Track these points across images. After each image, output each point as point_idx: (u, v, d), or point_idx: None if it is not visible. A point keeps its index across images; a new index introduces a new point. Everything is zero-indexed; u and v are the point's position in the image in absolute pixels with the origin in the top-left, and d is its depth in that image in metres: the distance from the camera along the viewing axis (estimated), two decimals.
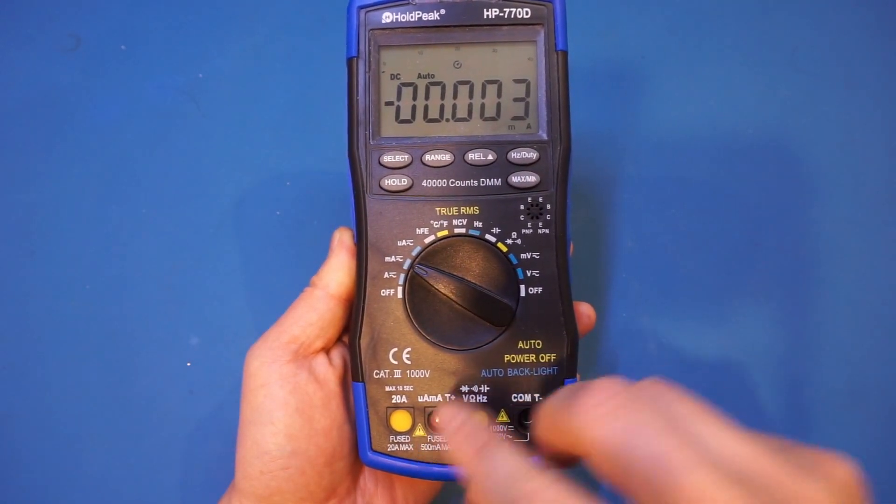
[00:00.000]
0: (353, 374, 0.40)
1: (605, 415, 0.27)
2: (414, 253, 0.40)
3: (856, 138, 0.56)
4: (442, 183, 0.40)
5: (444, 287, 0.39)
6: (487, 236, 0.40)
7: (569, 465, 0.31)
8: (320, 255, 0.43)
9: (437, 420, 0.38)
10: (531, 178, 0.40)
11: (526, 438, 0.39)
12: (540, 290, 0.40)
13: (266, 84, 0.58)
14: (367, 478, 0.43)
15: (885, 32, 0.58)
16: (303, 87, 0.58)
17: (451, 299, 0.40)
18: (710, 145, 0.56)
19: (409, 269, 0.40)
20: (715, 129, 0.57)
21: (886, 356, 0.53)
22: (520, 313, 0.40)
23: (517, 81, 0.41)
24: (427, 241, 0.40)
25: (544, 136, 0.40)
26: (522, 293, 0.40)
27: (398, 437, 0.40)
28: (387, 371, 0.40)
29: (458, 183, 0.40)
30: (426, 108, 0.41)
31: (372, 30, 0.41)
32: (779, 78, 0.57)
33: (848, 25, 0.58)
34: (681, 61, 0.58)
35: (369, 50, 0.41)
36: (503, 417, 0.39)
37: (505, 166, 0.40)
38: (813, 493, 0.24)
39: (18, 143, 0.57)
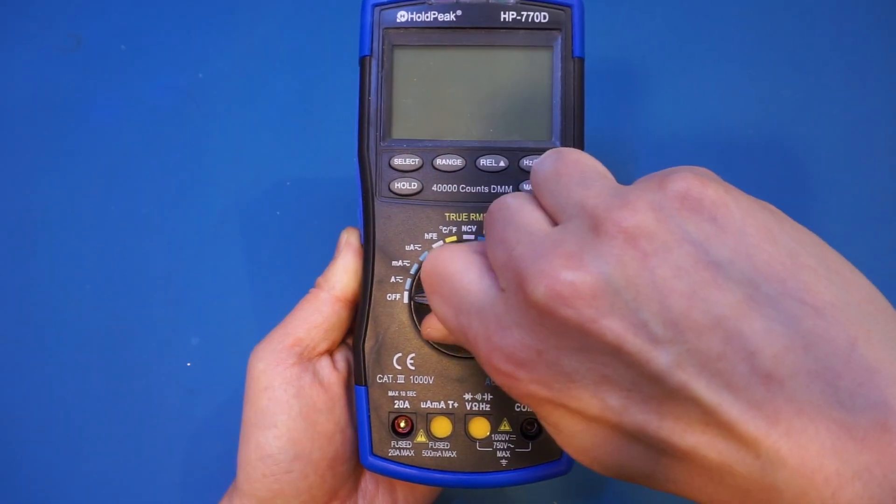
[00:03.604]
0: (357, 378, 0.39)
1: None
2: (422, 258, 0.39)
3: (856, 138, 0.55)
4: (452, 188, 0.39)
5: None
6: None
7: None
8: (321, 255, 0.42)
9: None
10: None
11: (528, 448, 0.38)
12: None
13: (266, 84, 0.57)
14: (369, 480, 0.42)
15: (885, 33, 0.57)
16: (303, 87, 0.57)
17: None
18: (710, 145, 0.55)
19: (415, 275, 0.39)
20: (715, 129, 0.55)
21: None
22: None
23: (532, 87, 0.39)
24: (435, 246, 0.39)
25: (558, 144, 0.39)
26: None
27: (399, 443, 0.38)
28: (390, 376, 0.39)
29: (469, 189, 0.39)
30: (439, 110, 0.40)
31: (386, 28, 0.39)
32: (779, 78, 0.56)
33: (849, 25, 0.57)
34: (681, 61, 0.57)
35: (383, 49, 0.39)
36: (505, 426, 0.38)
37: (517, 173, 0.39)
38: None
39: (18, 143, 0.56)
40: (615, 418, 0.26)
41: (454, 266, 0.31)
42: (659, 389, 0.25)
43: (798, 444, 0.23)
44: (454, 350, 0.38)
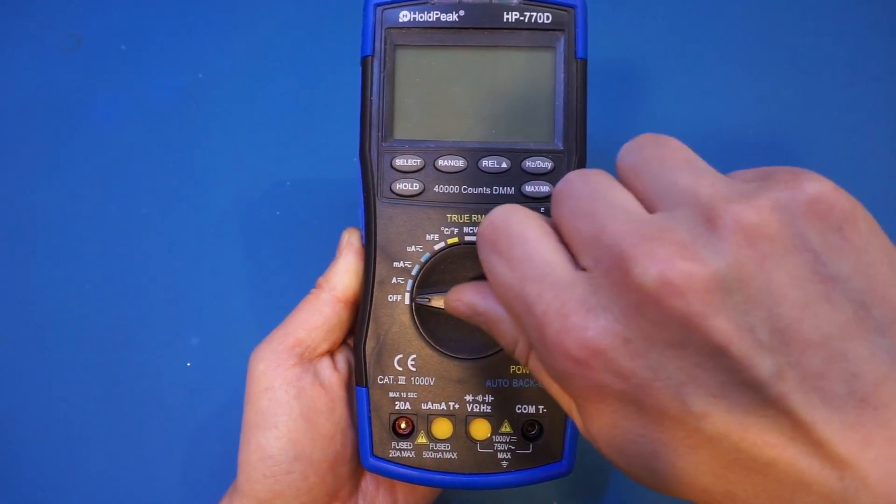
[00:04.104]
0: (357, 379, 0.39)
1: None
2: (423, 259, 0.38)
3: (857, 139, 0.55)
4: (454, 189, 0.39)
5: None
6: None
7: None
8: (321, 255, 0.42)
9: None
10: (545, 188, 0.38)
11: (529, 449, 0.38)
12: None
13: (266, 84, 0.57)
14: (369, 481, 0.42)
15: (886, 33, 0.56)
16: (303, 87, 0.57)
17: None
18: (711, 145, 0.54)
19: (417, 276, 0.38)
20: (715, 129, 0.55)
21: None
22: None
23: (535, 88, 0.39)
24: (437, 247, 0.38)
25: (560, 146, 0.39)
26: None
27: (400, 444, 0.38)
28: (391, 377, 0.38)
29: (471, 190, 0.39)
30: (441, 111, 0.39)
31: (388, 28, 0.39)
32: (780, 78, 0.56)
33: (849, 26, 0.57)
34: (681, 62, 0.57)
35: (385, 49, 0.39)
36: (506, 428, 0.38)
37: (519, 175, 0.38)
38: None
39: (18, 143, 0.56)
40: (693, 422, 0.24)
41: (531, 231, 0.28)
42: (752, 398, 0.23)
43: (886, 472, 0.22)
44: (455, 351, 0.38)
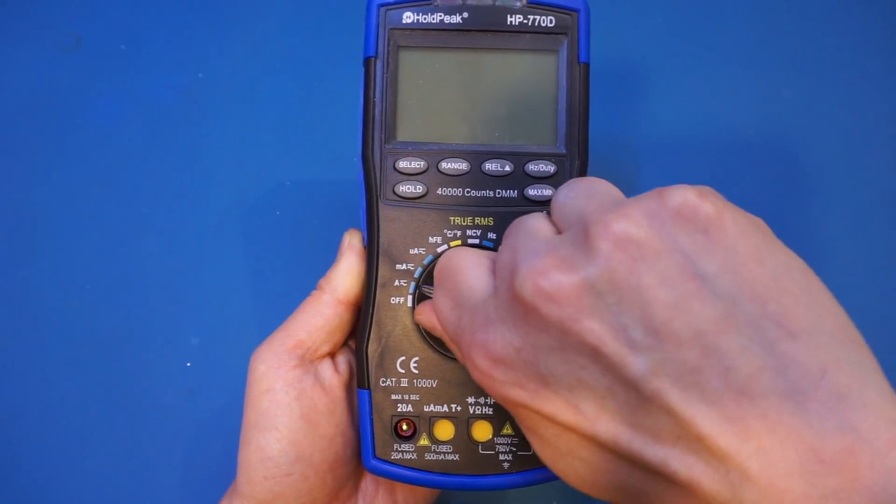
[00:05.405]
0: (359, 381, 0.39)
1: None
2: (426, 262, 0.38)
3: (857, 139, 0.55)
4: (457, 192, 0.38)
5: None
6: None
7: None
8: (321, 255, 0.42)
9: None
10: (548, 192, 0.38)
11: (530, 450, 0.38)
12: None
13: (266, 84, 0.57)
14: (369, 481, 0.42)
15: (886, 33, 0.57)
16: (302, 87, 0.57)
17: None
18: (711, 146, 0.55)
19: (419, 278, 0.38)
20: (716, 129, 0.55)
21: (887, 358, 0.52)
22: None
23: (538, 92, 0.39)
24: (439, 250, 0.38)
25: (563, 150, 0.38)
26: None
27: (402, 446, 0.38)
28: (393, 379, 0.38)
29: (474, 193, 0.38)
30: (444, 113, 0.39)
31: (392, 29, 0.39)
32: (780, 79, 0.56)
33: (849, 26, 0.57)
34: (682, 62, 0.57)
35: (388, 50, 0.39)
36: (508, 429, 0.38)
37: (522, 178, 0.38)
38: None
39: (18, 143, 0.56)
40: (589, 427, 0.26)
41: (464, 263, 0.31)
42: (633, 396, 0.25)
43: (767, 463, 0.23)
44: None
